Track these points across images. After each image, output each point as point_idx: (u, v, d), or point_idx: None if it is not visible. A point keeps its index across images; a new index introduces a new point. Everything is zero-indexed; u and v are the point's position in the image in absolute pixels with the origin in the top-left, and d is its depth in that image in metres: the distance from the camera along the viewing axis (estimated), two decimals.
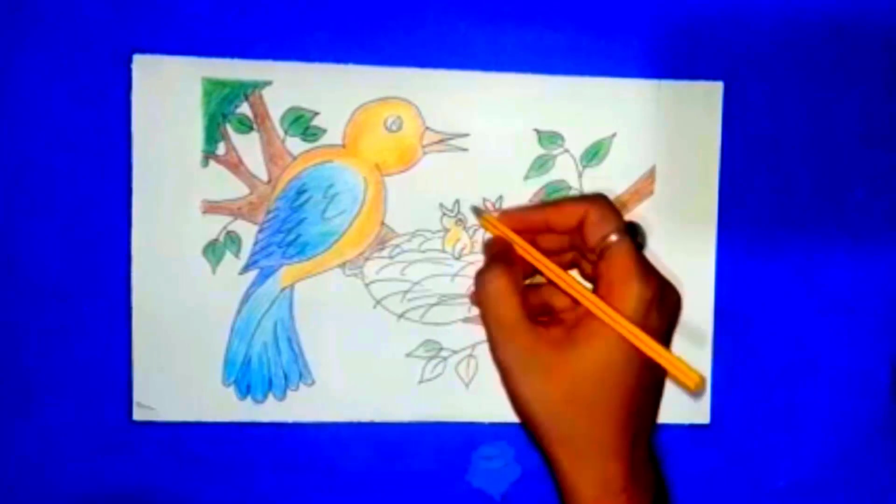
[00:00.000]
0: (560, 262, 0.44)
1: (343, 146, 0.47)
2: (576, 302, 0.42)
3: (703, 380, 0.39)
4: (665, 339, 0.43)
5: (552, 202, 0.46)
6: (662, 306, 0.41)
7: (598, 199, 0.43)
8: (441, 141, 0.47)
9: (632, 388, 0.41)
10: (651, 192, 0.48)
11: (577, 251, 0.44)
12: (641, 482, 0.41)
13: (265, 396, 0.47)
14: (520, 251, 0.44)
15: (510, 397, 0.42)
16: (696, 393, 0.39)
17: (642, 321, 0.40)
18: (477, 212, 0.47)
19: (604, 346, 0.40)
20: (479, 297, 0.43)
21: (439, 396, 0.48)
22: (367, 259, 0.47)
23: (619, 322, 0.40)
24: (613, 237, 0.41)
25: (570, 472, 0.41)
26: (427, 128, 0.47)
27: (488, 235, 0.47)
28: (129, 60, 0.46)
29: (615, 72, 0.47)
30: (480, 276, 0.43)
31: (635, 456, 0.41)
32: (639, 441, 0.42)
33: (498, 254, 0.44)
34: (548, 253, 0.44)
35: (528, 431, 0.42)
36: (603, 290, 0.41)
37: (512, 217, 0.45)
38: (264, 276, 0.47)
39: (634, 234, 0.42)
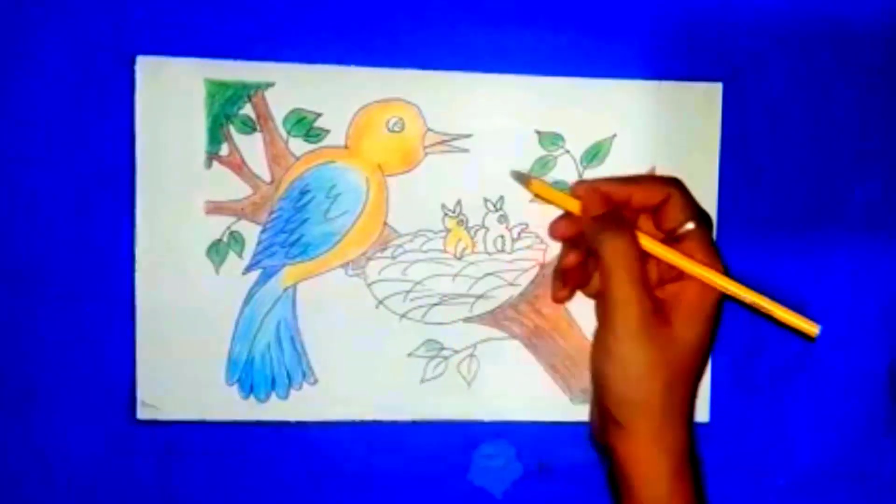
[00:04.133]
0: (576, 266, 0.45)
1: (345, 147, 0.47)
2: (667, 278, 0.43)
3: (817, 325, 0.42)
4: None
5: (634, 179, 0.45)
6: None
7: (679, 185, 0.44)
8: (443, 142, 0.47)
9: (697, 367, 0.42)
10: None
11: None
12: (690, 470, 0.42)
13: (268, 396, 0.48)
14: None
15: (597, 357, 0.42)
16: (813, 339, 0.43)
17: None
18: (521, 177, 0.46)
19: (696, 328, 0.42)
20: (607, 251, 0.41)
21: (441, 396, 0.48)
22: (369, 259, 0.48)
23: (728, 286, 0.42)
24: (690, 225, 0.43)
25: (634, 443, 0.42)
26: (429, 129, 0.47)
27: (558, 213, 0.46)
28: (133, 62, 0.46)
29: (615, 73, 0.47)
30: (608, 232, 0.42)
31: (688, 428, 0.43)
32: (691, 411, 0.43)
33: (619, 214, 0.43)
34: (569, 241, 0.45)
35: (598, 392, 0.43)
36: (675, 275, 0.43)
37: (593, 188, 0.44)
38: (267, 275, 0.47)
39: (709, 225, 0.43)
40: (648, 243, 0.42)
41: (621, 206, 0.44)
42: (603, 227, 0.42)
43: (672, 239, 0.43)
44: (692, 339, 0.42)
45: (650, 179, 0.46)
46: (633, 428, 0.41)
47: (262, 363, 0.47)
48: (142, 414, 0.47)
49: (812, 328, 0.42)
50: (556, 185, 0.48)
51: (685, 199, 0.43)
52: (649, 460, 0.42)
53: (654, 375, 0.41)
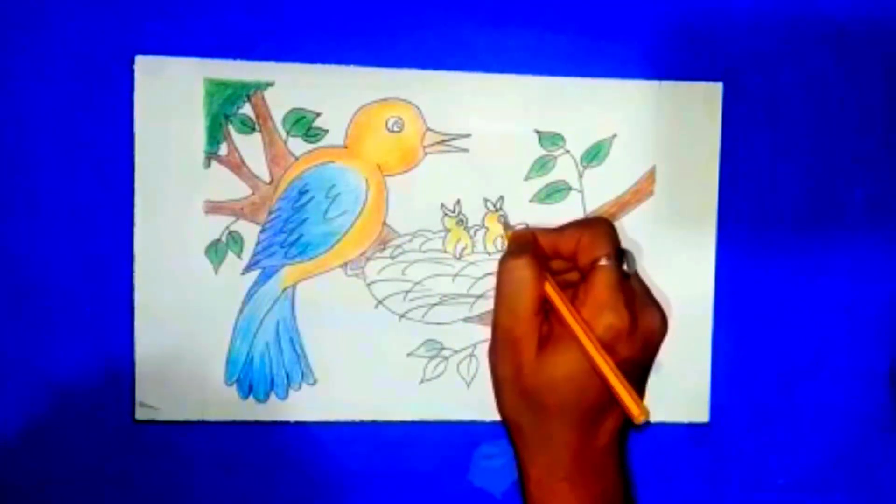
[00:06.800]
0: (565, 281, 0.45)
1: (345, 147, 0.47)
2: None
3: (647, 413, 0.41)
4: (638, 365, 0.44)
5: (558, 227, 0.46)
6: (634, 336, 0.43)
7: (595, 224, 0.44)
8: (442, 142, 0.47)
9: (587, 397, 0.42)
10: (651, 193, 0.48)
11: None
12: (590, 475, 0.43)
13: (267, 396, 0.48)
14: None
15: (490, 367, 0.45)
16: (639, 425, 0.42)
17: (609, 347, 0.42)
18: (506, 226, 0.47)
19: (571, 360, 0.42)
20: (502, 281, 0.44)
21: (441, 396, 0.48)
22: (368, 259, 0.48)
23: (586, 341, 0.42)
24: (601, 262, 0.43)
25: (520, 452, 0.44)
26: (428, 128, 0.47)
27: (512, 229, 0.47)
28: (132, 61, 0.46)
29: (615, 73, 0.47)
30: (508, 262, 0.43)
31: (586, 450, 0.43)
32: (591, 438, 0.43)
33: (526, 244, 0.44)
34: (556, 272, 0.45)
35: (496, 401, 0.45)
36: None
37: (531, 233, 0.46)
38: (266, 276, 0.47)
39: (621, 261, 0.43)
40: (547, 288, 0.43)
41: (552, 256, 0.45)
42: (511, 255, 0.44)
43: (581, 275, 0.44)
44: (556, 375, 0.42)
45: (569, 225, 0.46)
46: (509, 435, 0.45)
47: (262, 363, 0.47)
48: (140, 415, 0.47)
49: (639, 412, 0.41)
50: (556, 185, 0.48)
51: (595, 238, 0.43)
52: (525, 468, 0.44)
53: (513, 397, 0.44)
